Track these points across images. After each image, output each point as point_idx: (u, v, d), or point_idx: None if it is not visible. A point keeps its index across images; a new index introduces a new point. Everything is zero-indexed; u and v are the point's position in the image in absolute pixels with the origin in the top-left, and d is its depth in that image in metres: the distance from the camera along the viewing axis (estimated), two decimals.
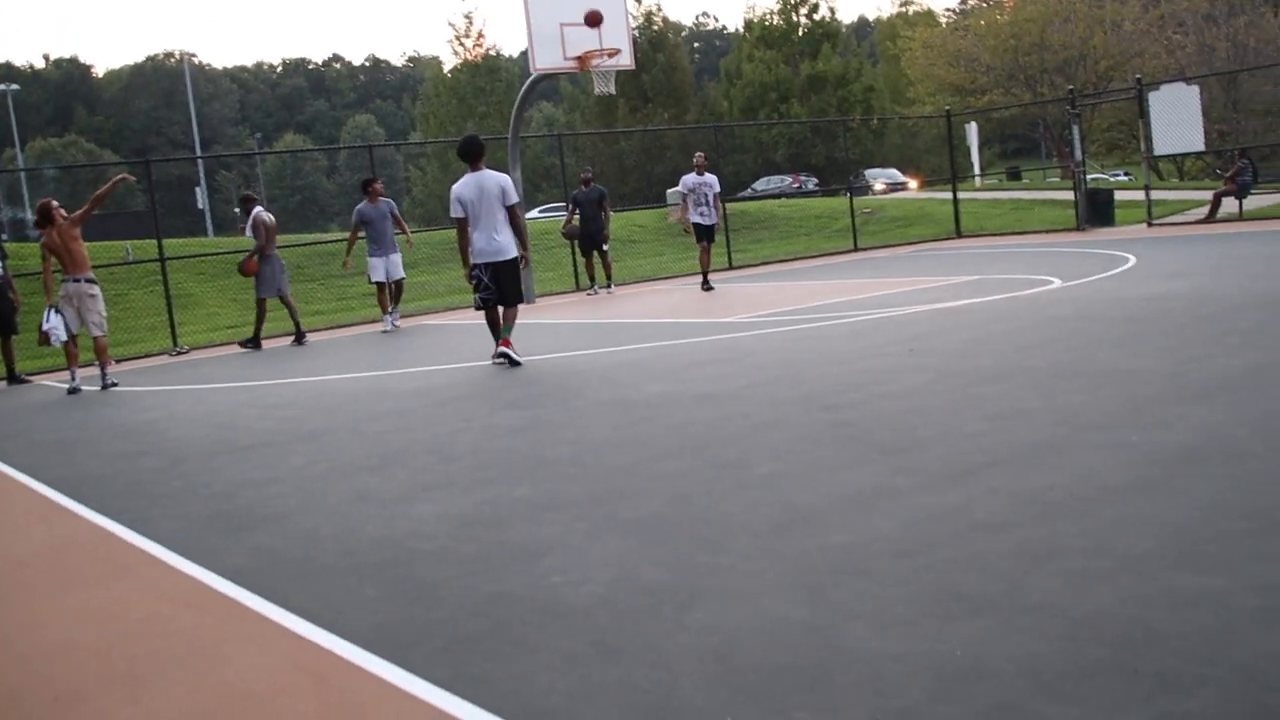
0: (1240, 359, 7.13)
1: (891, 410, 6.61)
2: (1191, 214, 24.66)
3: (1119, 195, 26.71)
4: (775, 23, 65.72)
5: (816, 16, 65.73)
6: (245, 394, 10.95)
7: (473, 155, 10.78)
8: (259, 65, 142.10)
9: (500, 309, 10.96)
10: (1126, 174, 54.83)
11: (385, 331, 16.52)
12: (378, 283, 16.66)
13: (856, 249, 25.40)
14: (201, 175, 64.70)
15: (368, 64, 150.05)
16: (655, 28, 66.45)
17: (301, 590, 4.36)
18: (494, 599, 3.99)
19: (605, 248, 19.59)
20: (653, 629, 3.54)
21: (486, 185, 10.65)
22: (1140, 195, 25.58)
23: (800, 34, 65.36)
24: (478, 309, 11.16)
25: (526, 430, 7.28)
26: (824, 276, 18.50)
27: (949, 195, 28.19)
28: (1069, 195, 26.73)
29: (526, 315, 15.93)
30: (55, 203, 12.68)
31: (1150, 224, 23.20)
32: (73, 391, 12.36)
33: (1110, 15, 46.27)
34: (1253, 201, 23.37)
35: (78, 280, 12.40)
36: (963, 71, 48.81)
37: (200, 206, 56.87)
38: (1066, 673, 2.92)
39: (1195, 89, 23.25)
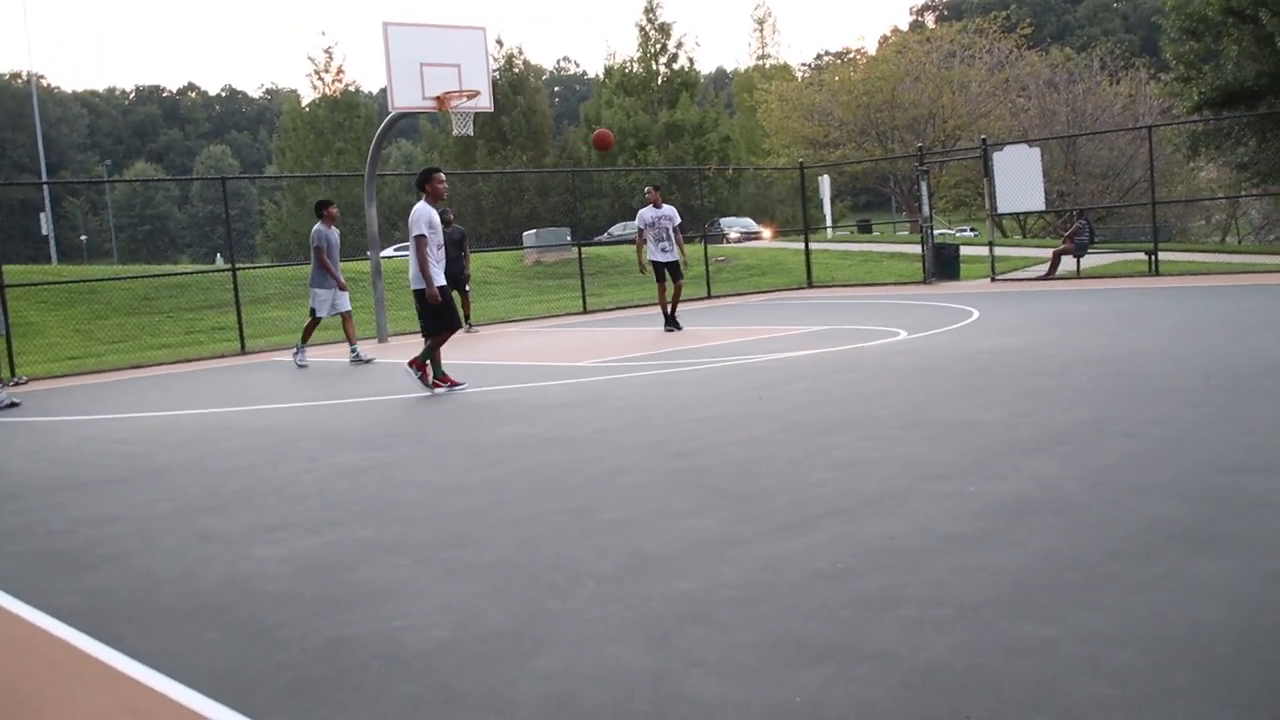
0: (1073, 413, 7.39)
1: (739, 458, 6.70)
2: (1032, 270, 25.54)
3: (964, 250, 27.59)
4: (635, 70, 66.53)
5: (675, 66, 66.74)
6: (88, 428, 10.62)
7: (419, 185, 11.11)
8: (111, 90, 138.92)
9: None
10: (972, 230, 56.62)
11: (301, 366, 15.25)
12: (321, 317, 15.38)
13: (710, 296, 25.69)
14: (47, 201, 62.66)
15: (224, 94, 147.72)
16: (516, 70, 66.69)
17: (137, 632, 4.25)
18: (336, 643, 3.94)
19: (467, 288, 19.53)
20: (496, 675, 3.53)
21: (411, 216, 10.91)
22: (984, 251, 26.49)
23: (659, 82, 66.25)
24: None
25: (373, 471, 7.21)
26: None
27: (801, 246, 28.72)
28: (917, 249, 27.45)
29: (382, 354, 15.83)
30: None
31: (993, 279, 23.98)
32: None
33: (958, 77, 47.89)
34: (1089, 260, 24.29)
35: None
36: (816, 125, 49.89)
37: (45, 233, 55.14)
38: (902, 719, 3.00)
39: (1036, 151, 24.13)
